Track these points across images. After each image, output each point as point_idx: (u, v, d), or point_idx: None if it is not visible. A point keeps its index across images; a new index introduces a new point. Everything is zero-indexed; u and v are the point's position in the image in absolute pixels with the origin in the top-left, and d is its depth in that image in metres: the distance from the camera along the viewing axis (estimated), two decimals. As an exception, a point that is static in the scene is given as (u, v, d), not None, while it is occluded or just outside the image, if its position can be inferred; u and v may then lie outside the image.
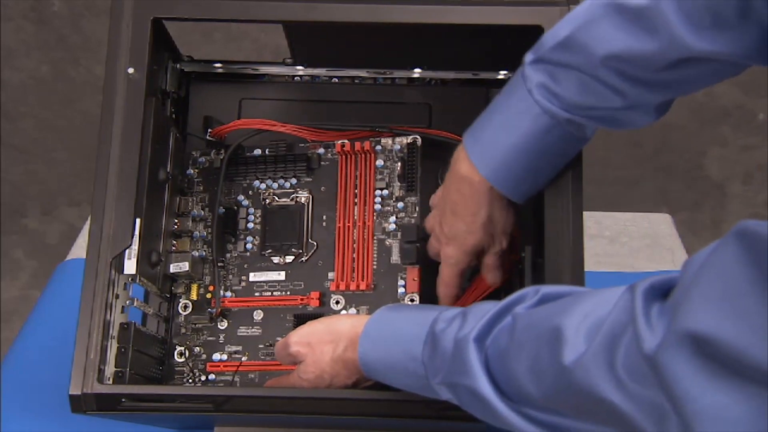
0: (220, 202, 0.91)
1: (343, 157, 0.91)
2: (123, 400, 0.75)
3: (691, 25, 0.61)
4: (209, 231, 0.90)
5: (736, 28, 0.60)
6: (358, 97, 0.94)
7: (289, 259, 0.90)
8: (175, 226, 0.89)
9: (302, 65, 0.92)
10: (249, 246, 0.91)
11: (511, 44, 0.86)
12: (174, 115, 0.91)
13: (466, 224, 0.78)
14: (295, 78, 0.95)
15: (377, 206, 0.89)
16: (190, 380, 0.88)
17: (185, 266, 0.87)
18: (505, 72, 0.91)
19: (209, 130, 0.93)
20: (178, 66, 0.92)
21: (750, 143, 2.05)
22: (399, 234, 0.88)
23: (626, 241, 1.19)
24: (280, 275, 0.89)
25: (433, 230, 0.82)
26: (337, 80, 0.95)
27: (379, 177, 0.90)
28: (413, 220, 0.88)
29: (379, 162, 0.90)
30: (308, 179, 0.92)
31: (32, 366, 1.02)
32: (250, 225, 0.91)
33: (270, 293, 0.89)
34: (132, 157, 0.78)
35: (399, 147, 0.90)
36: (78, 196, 2.12)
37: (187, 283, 0.90)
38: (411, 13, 0.79)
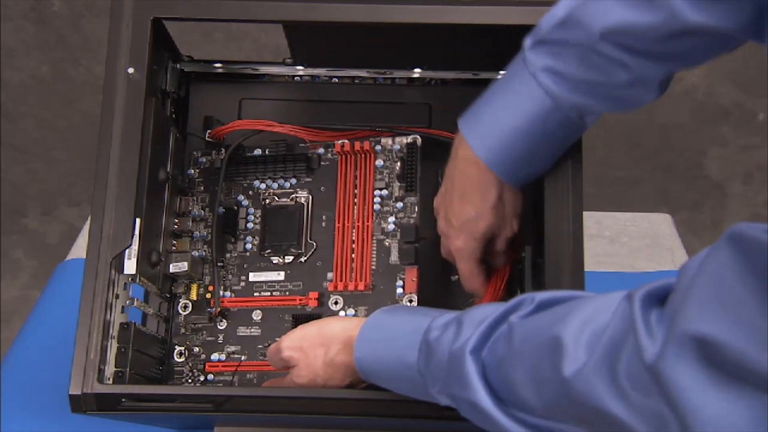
0: (220, 202, 0.91)
1: (343, 157, 0.91)
2: (123, 400, 0.75)
3: None
4: (209, 231, 0.90)
5: (733, 2, 0.61)
6: (358, 97, 0.94)
7: (289, 259, 0.90)
8: (175, 226, 0.89)
9: (302, 65, 0.92)
10: (249, 246, 0.91)
11: (511, 44, 0.86)
12: (174, 115, 0.91)
13: (476, 208, 0.77)
14: (295, 78, 0.95)
15: (376, 206, 0.89)
16: (189, 380, 0.88)
17: (185, 266, 0.87)
18: (505, 72, 0.90)
19: (208, 131, 0.93)
20: (178, 66, 0.92)
21: (750, 143, 2.05)
22: (398, 234, 0.88)
23: (626, 241, 1.18)
24: (280, 275, 0.89)
25: (442, 230, 0.81)
26: (337, 80, 0.95)
27: (378, 177, 0.90)
28: (412, 221, 0.88)
29: (379, 162, 0.90)
30: (308, 179, 0.92)
31: (32, 366, 1.02)
32: (250, 225, 0.91)
33: (269, 293, 0.89)
34: (132, 157, 0.78)
35: (399, 147, 0.90)
36: (78, 196, 2.12)
37: (186, 283, 0.90)
38: (411, 13, 0.79)
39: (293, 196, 0.91)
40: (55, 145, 2.13)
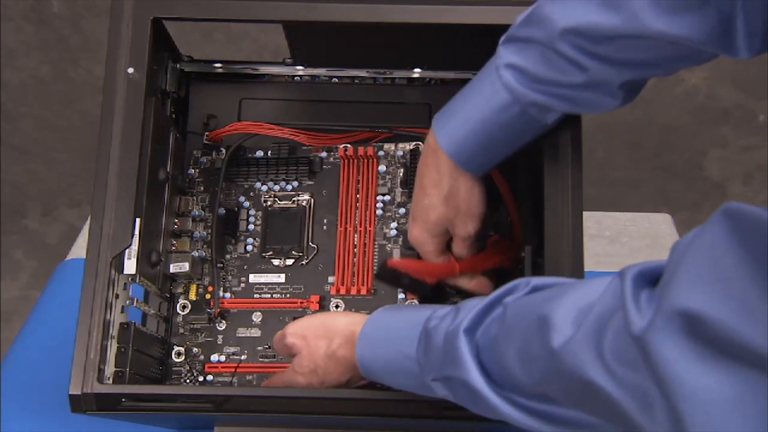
0: (221, 203, 0.91)
1: (346, 161, 0.91)
2: (123, 400, 0.74)
3: (654, 5, 0.62)
4: (209, 231, 0.90)
5: (696, 12, 0.61)
6: (358, 97, 0.94)
7: (290, 261, 0.90)
8: (175, 226, 0.89)
9: (302, 65, 0.92)
10: (249, 248, 0.91)
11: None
12: (174, 115, 0.91)
13: (428, 197, 0.78)
14: (295, 78, 0.95)
15: (379, 211, 0.90)
16: (188, 380, 0.88)
17: (186, 267, 0.87)
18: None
19: (206, 133, 0.93)
20: (178, 66, 0.92)
21: (750, 144, 2.05)
22: (400, 240, 0.88)
23: (626, 241, 1.19)
24: (280, 278, 0.89)
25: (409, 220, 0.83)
26: (337, 80, 0.95)
27: (381, 182, 0.91)
28: None
29: (382, 167, 0.91)
30: (310, 182, 0.92)
31: (32, 366, 1.02)
32: (251, 227, 0.91)
33: (270, 295, 0.89)
34: (132, 157, 0.78)
35: (401, 153, 0.91)
36: (78, 196, 2.12)
37: (186, 283, 0.90)
38: (411, 13, 0.79)
39: (295, 198, 0.91)
40: (55, 145, 2.13)
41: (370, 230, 0.89)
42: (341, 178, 0.91)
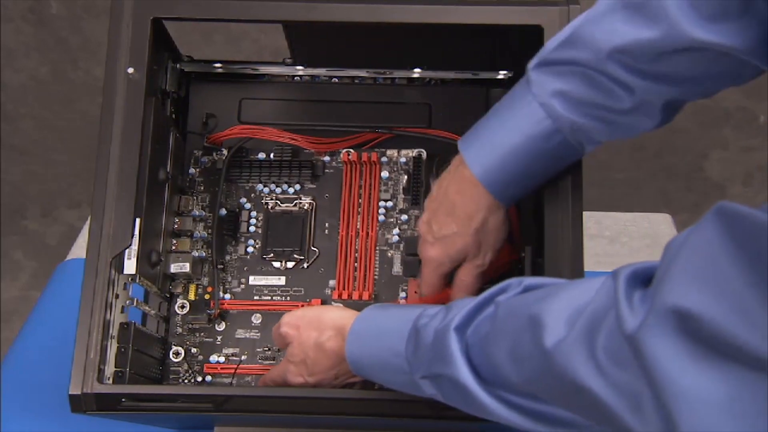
0: (221, 204, 0.91)
1: (348, 166, 0.91)
2: (123, 400, 0.74)
3: (692, 13, 0.62)
4: (209, 232, 0.90)
5: (736, 21, 0.60)
6: (358, 97, 0.94)
7: (290, 264, 0.90)
8: (176, 226, 0.89)
9: (302, 65, 0.92)
10: (250, 249, 0.91)
11: (511, 44, 0.86)
12: (174, 115, 0.91)
13: (459, 226, 0.77)
14: (295, 78, 0.95)
15: (381, 217, 0.90)
16: (186, 380, 0.88)
17: (186, 267, 0.87)
18: (504, 72, 0.91)
19: (207, 135, 0.93)
20: (178, 66, 0.92)
21: (750, 144, 2.05)
22: (402, 246, 0.88)
23: (626, 241, 1.18)
24: (281, 280, 0.89)
25: (422, 232, 0.81)
26: (337, 80, 0.95)
27: (383, 188, 0.91)
28: (416, 233, 0.88)
29: (384, 173, 0.91)
30: (312, 186, 0.92)
31: (32, 366, 1.02)
32: (252, 228, 0.91)
33: (270, 297, 0.89)
34: (132, 157, 0.78)
35: (404, 160, 0.91)
36: (78, 196, 2.12)
37: (185, 283, 0.90)
38: (411, 13, 0.79)
39: (297, 202, 0.91)
40: (55, 146, 2.13)
41: (372, 235, 0.89)
42: (344, 182, 0.91)
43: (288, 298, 0.89)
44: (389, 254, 0.89)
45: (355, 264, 0.89)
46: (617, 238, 1.19)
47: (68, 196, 2.13)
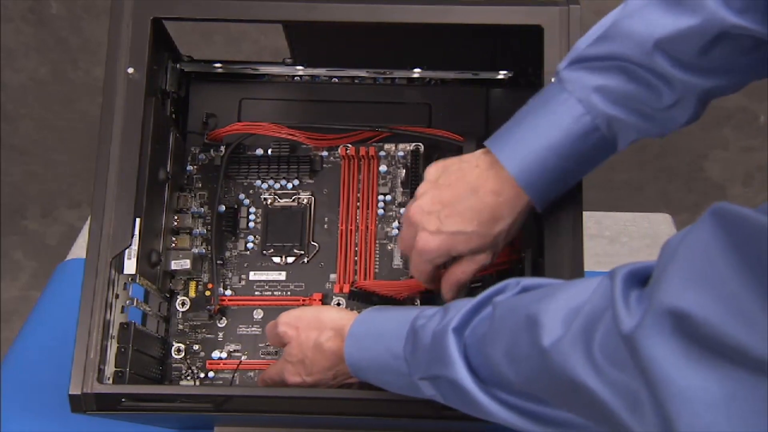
0: (220, 200, 0.91)
1: (347, 161, 0.91)
2: (123, 400, 0.74)
3: (728, 3, 0.63)
4: (208, 228, 0.90)
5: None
6: (358, 97, 0.94)
7: (290, 259, 0.90)
8: (175, 223, 0.89)
9: (302, 65, 0.92)
10: (249, 245, 0.91)
11: (511, 44, 0.86)
12: (174, 115, 0.91)
13: (480, 226, 0.73)
14: (295, 78, 0.95)
15: (380, 211, 0.90)
16: (189, 378, 0.88)
17: (187, 264, 0.87)
18: (505, 72, 0.91)
19: (206, 133, 0.93)
20: (178, 66, 0.92)
21: (751, 145, 2.05)
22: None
23: (626, 241, 1.18)
24: (281, 275, 0.90)
25: (416, 219, 0.75)
26: (337, 80, 0.95)
27: (381, 182, 0.91)
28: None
29: (383, 167, 0.91)
30: (310, 181, 0.92)
31: (32, 366, 1.02)
32: (251, 224, 0.91)
33: (270, 293, 0.89)
34: (132, 157, 0.78)
35: (402, 154, 0.91)
36: (78, 196, 2.12)
37: (185, 280, 0.90)
38: (411, 13, 0.79)
39: (296, 197, 0.91)
40: (55, 146, 2.13)
41: (371, 229, 0.89)
42: (342, 177, 0.91)
43: (289, 293, 0.89)
44: (389, 247, 0.89)
45: (355, 258, 0.89)
46: (617, 238, 1.19)
47: (68, 196, 2.13)
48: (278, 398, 0.75)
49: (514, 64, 0.89)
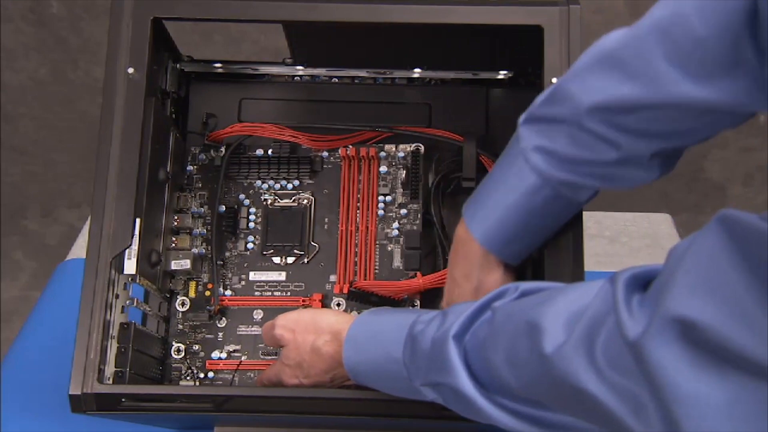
0: (220, 200, 0.91)
1: (347, 161, 0.91)
2: (123, 400, 0.74)
3: (678, 69, 0.60)
4: (208, 228, 0.90)
5: (726, 76, 0.58)
6: (358, 97, 0.94)
7: (290, 260, 0.90)
8: (175, 223, 0.89)
9: (302, 65, 0.92)
10: (249, 245, 0.91)
11: (511, 44, 0.86)
12: (174, 115, 0.91)
13: (459, 287, 0.77)
14: (295, 78, 0.95)
15: (380, 212, 0.90)
16: (188, 378, 0.88)
17: (187, 264, 0.87)
18: (505, 72, 0.91)
19: (207, 133, 0.93)
20: (178, 66, 0.92)
21: (750, 144, 2.05)
22: (401, 240, 0.88)
23: (626, 241, 1.18)
24: (281, 276, 0.90)
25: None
26: (337, 80, 0.95)
27: (382, 183, 0.91)
28: (416, 227, 0.89)
29: (383, 168, 0.91)
30: (311, 182, 0.92)
31: (32, 366, 1.02)
32: (251, 224, 0.91)
33: (270, 293, 0.89)
34: (132, 157, 0.78)
35: (402, 154, 0.91)
36: (78, 196, 2.12)
37: (185, 280, 0.90)
38: (411, 13, 0.79)
39: (296, 197, 0.91)
40: (55, 146, 2.13)
41: (371, 230, 0.89)
42: (342, 177, 0.91)
43: (289, 293, 0.89)
44: (389, 248, 0.89)
45: (356, 258, 0.89)
46: (617, 238, 1.19)
47: (68, 196, 2.13)
48: (278, 398, 0.75)
49: (514, 64, 0.89)
